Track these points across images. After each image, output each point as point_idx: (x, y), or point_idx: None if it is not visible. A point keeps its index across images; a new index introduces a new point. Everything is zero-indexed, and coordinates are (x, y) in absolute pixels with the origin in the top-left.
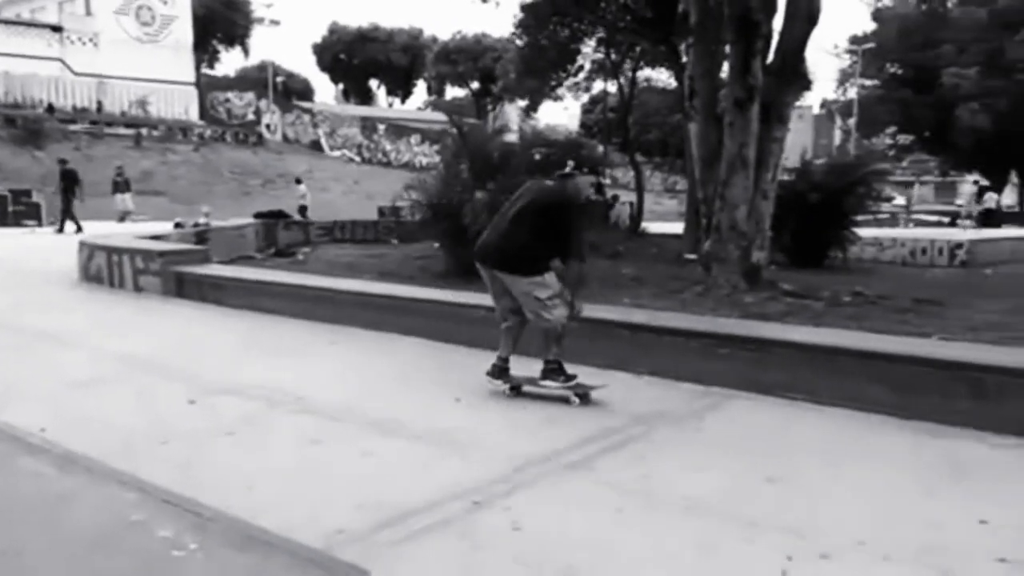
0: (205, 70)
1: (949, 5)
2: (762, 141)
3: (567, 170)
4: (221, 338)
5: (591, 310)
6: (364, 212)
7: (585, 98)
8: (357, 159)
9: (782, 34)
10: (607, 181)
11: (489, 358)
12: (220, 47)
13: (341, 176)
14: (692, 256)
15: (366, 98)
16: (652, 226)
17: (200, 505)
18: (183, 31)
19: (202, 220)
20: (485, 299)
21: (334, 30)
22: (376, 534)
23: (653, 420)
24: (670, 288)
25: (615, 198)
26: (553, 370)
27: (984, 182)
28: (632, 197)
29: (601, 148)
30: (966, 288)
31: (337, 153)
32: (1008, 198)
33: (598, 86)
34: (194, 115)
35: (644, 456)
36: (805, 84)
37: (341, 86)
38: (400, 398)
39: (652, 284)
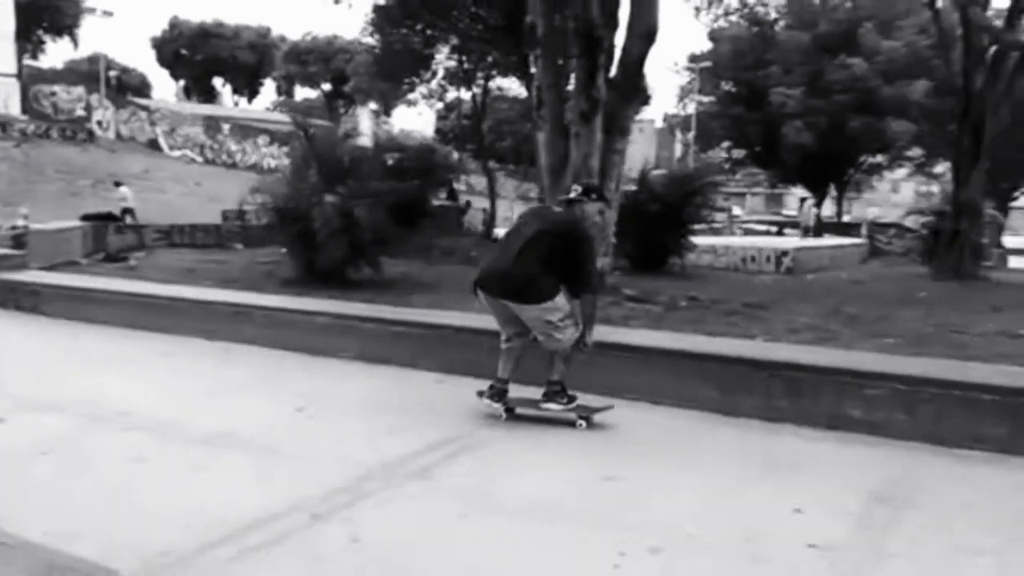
0: (29, 61)
1: (777, 29)
2: (605, 152)
3: (573, 195)
4: (39, 350)
5: (440, 317)
6: (206, 215)
7: (440, 105)
8: (199, 159)
9: (623, 50)
10: (462, 187)
11: (334, 366)
12: (46, 37)
13: (182, 177)
14: None
15: (210, 96)
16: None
17: (2, 533)
18: (3, 18)
19: (20, 222)
20: (331, 305)
21: (175, 24)
22: (205, 554)
23: (498, 424)
24: None
25: (468, 204)
26: (556, 392)
27: (809, 195)
28: (486, 203)
29: (456, 154)
30: (790, 293)
31: (177, 153)
32: (827, 210)
33: (453, 93)
34: (15, 109)
35: (487, 461)
36: (644, 98)
37: (183, 83)
38: (238, 410)
39: None
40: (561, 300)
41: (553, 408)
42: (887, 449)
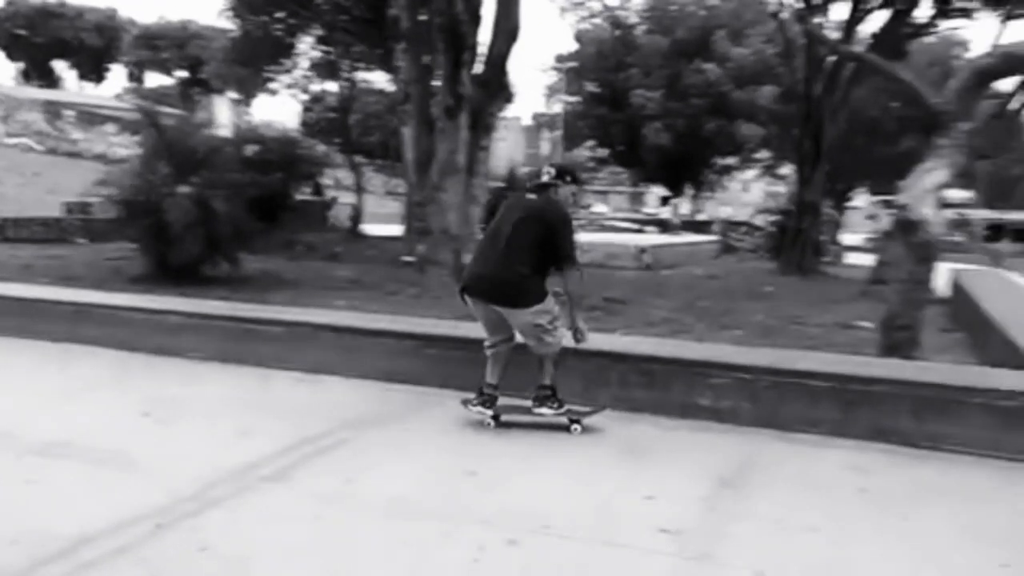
0: None
1: (638, 33)
2: (471, 148)
3: (546, 179)
4: None
5: (299, 314)
6: (46, 208)
7: (305, 96)
8: (38, 148)
9: (488, 47)
10: (328, 182)
11: (185, 367)
12: None
13: (18, 166)
14: (410, 258)
15: (51, 80)
16: (373, 228)
17: None
18: None
19: None
20: (183, 303)
21: (12, 3)
22: (35, 572)
23: (360, 424)
24: (386, 290)
25: (334, 199)
26: (548, 396)
27: (670, 194)
28: (353, 199)
29: (321, 148)
30: (648, 288)
31: (13, 141)
32: (683, 208)
33: (318, 85)
34: None
35: (348, 461)
36: (509, 96)
37: (21, 66)
38: (76, 416)
39: (368, 286)
40: (550, 302)
41: (545, 413)
42: (733, 435)
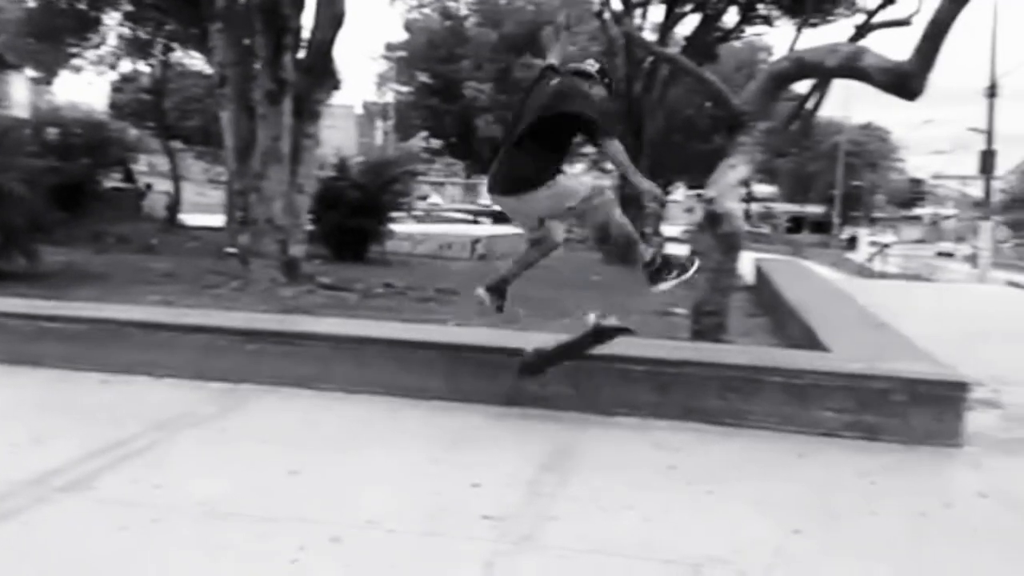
0: None
1: (468, 24)
2: (296, 136)
3: (588, 68)
4: None
5: (102, 310)
6: None
7: (114, 75)
8: None
9: (312, 32)
10: (142, 168)
11: None
12: None
13: None
14: (232, 250)
15: None
16: (193, 218)
17: None
18: None
19: None
20: None
21: None
22: None
23: (173, 425)
24: (206, 283)
25: (148, 187)
26: (658, 269)
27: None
28: (170, 186)
29: (134, 132)
30: (481, 278)
31: None
32: None
33: (129, 64)
34: None
35: (159, 465)
36: (336, 83)
37: None
38: None
39: (187, 280)
40: (570, 180)
41: (666, 286)
42: (558, 421)
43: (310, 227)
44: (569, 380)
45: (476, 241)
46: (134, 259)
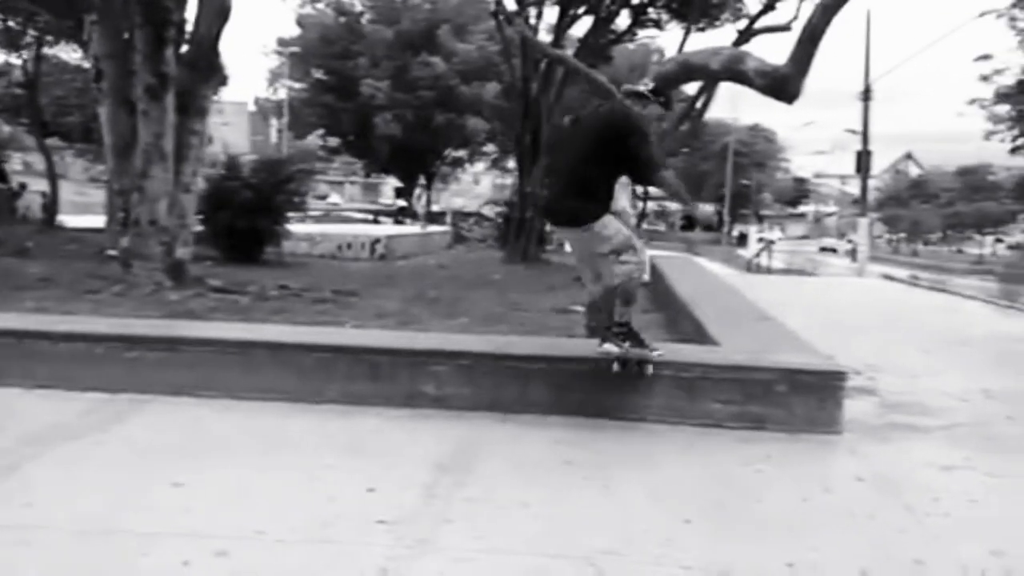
0: None
1: (363, 21)
2: (181, 133)
3: (642, 88)
4: None
5: None
6: None
7: None
8: None
9: (196, 25)
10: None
11: None
12: None
13: None
14: (114, 252)
15: None
16: (72, 219)
17: None
18: None
19: None
20: None
21: None
22: None
23: (45, 438)
24: (85, 288)
25: (23, 187)
26: (618, 334)
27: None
28: (46, 186)
29: (6, 128)
30: (381, 279)
31: None
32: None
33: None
34: None
35: (29, 482)
36: (222, 78)
37: None
38: None
39: (64, 284)
40: (613, 227)
41: (611, 351)
42: (455, 421)
43: (199, 228)
44: (467, 380)
45: (376, 241)
46: (7, 263)
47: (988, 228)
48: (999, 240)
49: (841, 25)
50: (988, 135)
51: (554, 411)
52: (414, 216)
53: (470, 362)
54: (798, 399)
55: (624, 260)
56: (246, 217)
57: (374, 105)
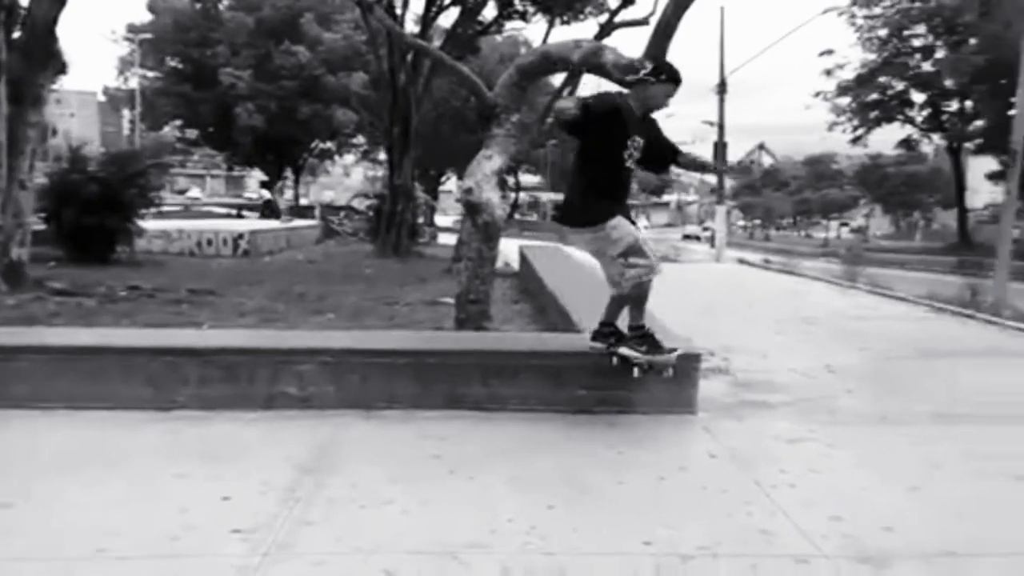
0: None
1: (221, 8)
2: (15, 125)
3: (642, 74)
4: None
5: None
6: None
7: None
8: None
9: (29, 8)
10: None
11: None
12: None
13: None
14: None
15: None
16: None
17: None
18: None
19: None
20: None
21: None
22: None
23: None
24: None
25: None
26: (632, 337)
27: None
28: None
29: None
30: (244, 276)
31: None
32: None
33: None
34: None
35: None
36: (60, 66)
37: None
38: None
39: None
40: (623, 229)
41: (625, 354)
42: (318, 420)
43: (41, 227)
44: (329, 377)
45: (239, 237)
46: None
47: (833, 213)
48: (844, 224)
49: (698, 22)
50: (831, 126)
51: (421, 405)
52: (274, 210)
53: (334, 359)
54: (658, 382)
55: (632, 263)
56: (93, 214)
57: (235, 95)
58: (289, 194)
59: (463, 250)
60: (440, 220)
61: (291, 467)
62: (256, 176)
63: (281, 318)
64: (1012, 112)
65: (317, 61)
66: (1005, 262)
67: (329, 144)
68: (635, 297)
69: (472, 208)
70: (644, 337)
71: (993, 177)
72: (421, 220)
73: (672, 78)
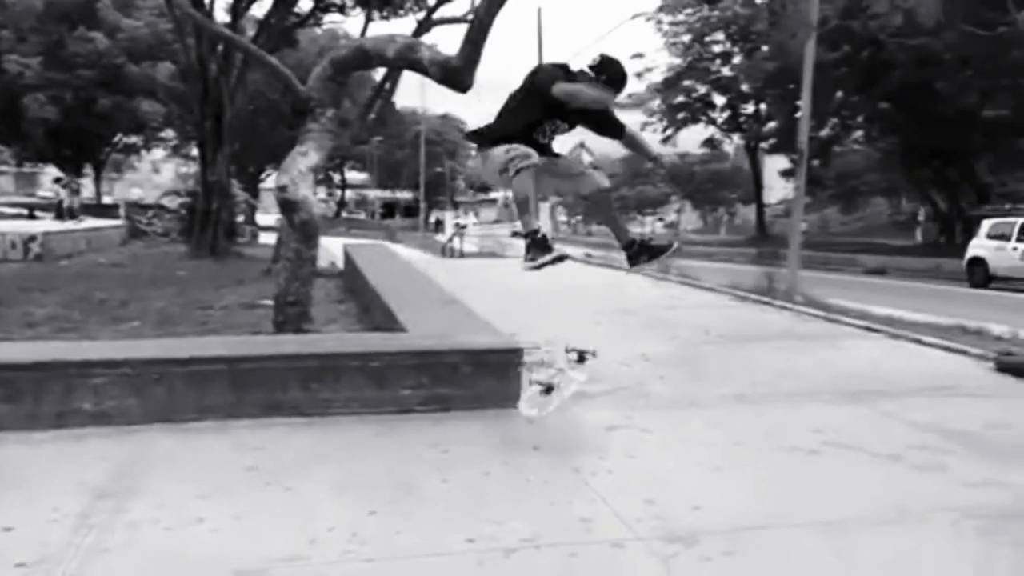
0: None
1: None
2: None
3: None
4: None
5: None
6: None
7: None
8: None
9: None
10: None
11: None
12: None
13: None
14: None
15: None
16: None
17: None
18: None
19: None
20: None
21: None
22: None
23: None
24: None
25: None
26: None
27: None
28: None
29: None
30: (35, 283)
31: None
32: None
33: None
34: None
35: None
36: None
37: None
38: None
39: None
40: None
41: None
42: (119, 438)
43: None
44: (130, 390)
45: (31, 239)
46: None
47: (648, 209)
48: (659, 220)
49: (519, 21)
50: (644, 126)
51: (236, 415)
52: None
53: (135, 370)
54: (481, 378)
55: (511, 154)
56: None
57: (23, 84)
58: (89, 192)
59: (282, 250)
60: (262, 219)
61: (86, 491)
62: (51, 173)
63: (77, 328)
64: (798, 115)
65: (117, 49)
66: (796, 252)
67: (135, 138)
68: (516, 195)
69: (288, 206)
70: (532, 243)
71: (786, 174)
72: (241, 219)
73: (611, 81)
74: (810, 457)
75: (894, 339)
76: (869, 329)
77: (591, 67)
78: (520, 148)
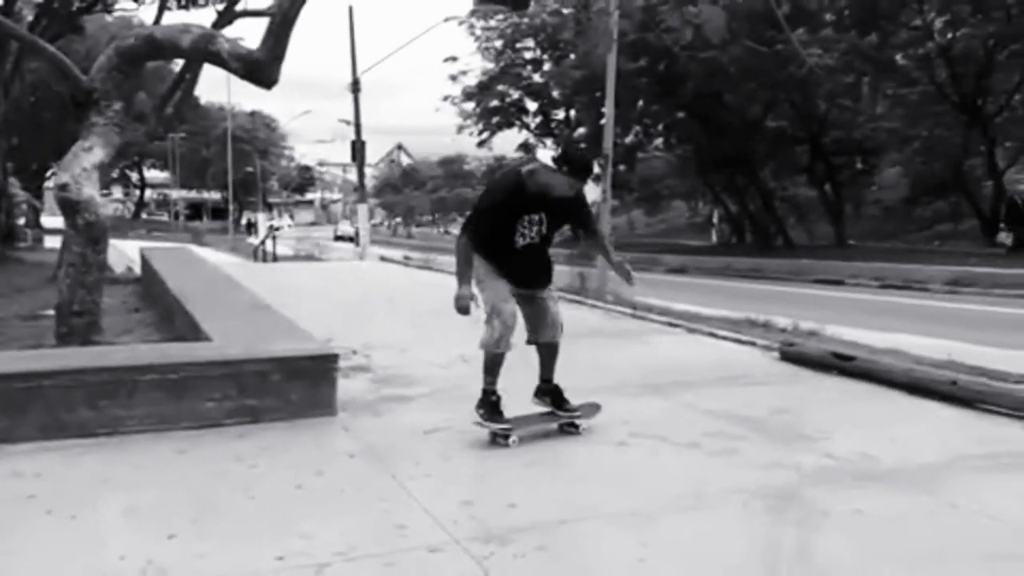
0: None
1: None
2: None
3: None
4: None
5: None
6: None
7: None
8: None
9: None
10: None
11: None
12: None
13: None
14: None
15: None
16: None
17: None
18: None
19: None
20: None
21: None
22: None
23: None
24: None
25: None
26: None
27: None
28: None
29: None
30: None
31: None
32: None
33: None
34: None
35: None
36: None
37: None
38: None
39: None
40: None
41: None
42: None
43: None
44: None
45: None
46: None
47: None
48: None
49: (332, 20)
50: (460, 129)
51: (12, 439)
52: None
53: None
54: (294, 386)
55: (487, 323)
56: None
57: None
58: None
59: (65, 255)
60: (48, 221)
61: None
62: None
63: None
64: (603, 121)
65: None
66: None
67: None
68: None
69: (70, 207)
70: (482, 403)
71: (594, 179)
72: (22, 221)
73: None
74: (619, 448)
75: (692, 333)
76: (671, 324)
77: (555, 159)
78: (508, 324)
